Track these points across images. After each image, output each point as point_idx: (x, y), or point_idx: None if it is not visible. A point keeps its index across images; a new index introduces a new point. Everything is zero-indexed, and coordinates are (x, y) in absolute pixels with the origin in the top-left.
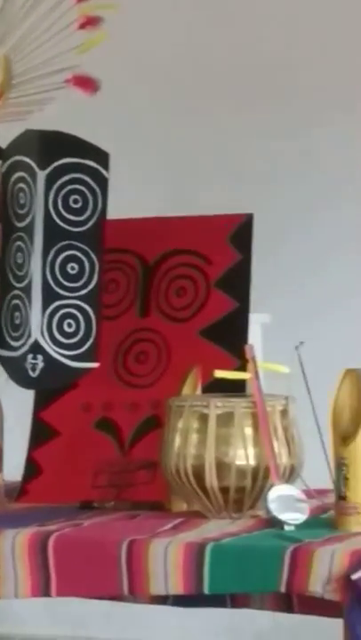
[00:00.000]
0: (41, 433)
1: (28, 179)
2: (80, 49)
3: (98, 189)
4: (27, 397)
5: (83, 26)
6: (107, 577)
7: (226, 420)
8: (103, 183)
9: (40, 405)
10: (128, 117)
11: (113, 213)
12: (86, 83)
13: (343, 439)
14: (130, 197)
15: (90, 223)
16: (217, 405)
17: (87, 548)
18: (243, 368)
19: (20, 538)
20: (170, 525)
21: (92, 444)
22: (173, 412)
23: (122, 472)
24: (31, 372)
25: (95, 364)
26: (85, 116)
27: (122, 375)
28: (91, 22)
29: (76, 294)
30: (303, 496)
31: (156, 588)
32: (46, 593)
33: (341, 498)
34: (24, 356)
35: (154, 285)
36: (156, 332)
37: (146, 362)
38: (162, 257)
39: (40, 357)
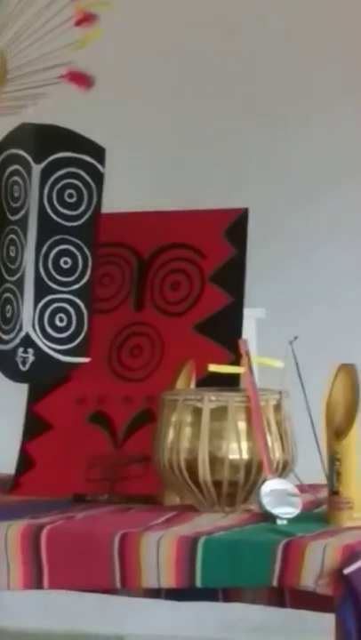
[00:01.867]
0: (34, 426)
1: (23, 172)
2: (76, 45)
3: (93, 184)
4: (20, 390)
5: (79, 23)
6: (99, 570)
7: (219, 414)
8: (99, 178)
9: (34, 398)
10: (123, 112)
11: (108, 207)
12: (81, 78)
13: (336, 434)
14: (125, 191)
15: (84, 218)
16: (211, 399)
17: (80, 541)
18: (237, 362)
19: (13, 530)
20: (162, 519)
21: (85, 437)
22: (167, 406)
23: (115, 465)
24: (21, 366)
25: (86, 359)
26: (81, 111)
27: (116, 369)
28: (87, 19)
29: (69, 289)
30: (296, 490)
31: (149, 581)
32: (39, 585)
33: (334, 492)
34: (15, 349)
35: (148, 279)
36: (151, 325)
37: (140, 356)
38: (157, 251)
39: (31, 351)
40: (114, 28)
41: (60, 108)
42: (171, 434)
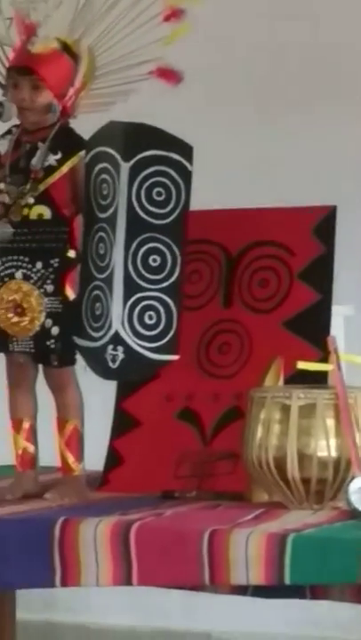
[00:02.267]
0: (123, 422)
1: (112, 170)
2: (165, 41)
3: (181, 182)
4: (109, 387)
5: (167, 18)
6: (188, 566)
7: (308, 411)
8: (187, 176)
9: (122, 395)
10: (211, 108)
11: (195, 204)
12: (170, 74)
13: None
14: (213, 189)
15: (173, 216)
16: (299, 397)
17: (169, 538)
18: (325, 360)
19: (102, 527)
20: (251, 516)
21: (173, 434)
22: (255, 403)
23: (203, 462)
24: (111, 364)
25: (175, 357)
26: (168, 108)
27: (204, 366)
28: (175, 14)
29: (158, 286)
30: None
31: (237, 578)
32: (128, 582)
33: None
34: (104, 346)
35: (237, 276)
36: (239, 322)
37: (228, 353)
38: (245, 248)
39: (120, 349)
40: (203, 22)
41: (147, 105)
42: (259, 431)
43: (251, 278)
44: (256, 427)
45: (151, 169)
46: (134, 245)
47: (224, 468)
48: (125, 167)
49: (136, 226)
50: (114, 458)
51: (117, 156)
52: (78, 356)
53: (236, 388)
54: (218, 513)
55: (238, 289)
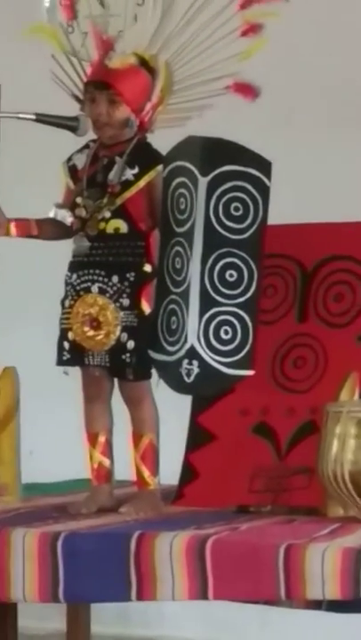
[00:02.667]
0: (198, 437)
1: (190, 184)
2: (242, 56)
3: (259, 198)
4: (183, 401)
5: (245, 33)
6: (264, 581)
7: None
8: (265, 192)
9: (198, 409)
10: (287, 124)
11: (272, 219)
12: (247, 89)
13: None
14: (289, 203)
15: (250, 231)
16: None
17: (245, 552)
18: None
19: (178, 541)
20: (327, 530)
21: (248, 448)
22: (331, 418)
23: (278, 477)
24: (186, 378)
25: (251, 372)
26: (245, 123)
27: (279, 380)
28: (253, 29)
29: (234, 301)
30: None
31: (313, 592)
32: (204, 596)
33: None
34: (179, 361)
35: (312, 291)
36: (314, 337)
37: (303, 367)
38: (320, 262)
39: (195, 363)
40: (280, 38)
41: (224, 120)
42: (335, 445)
43: (326, 292)
44: (331, 441)
45: (229, 184)
46: (211, 260)
47: (299, 483)
48: (203, 182)
49: (213, 240)
50: (189, 472)
51: (195, 171)
52: (153, 370)
53: (311, 402)
54: (293, 527)
55: (313, 303)
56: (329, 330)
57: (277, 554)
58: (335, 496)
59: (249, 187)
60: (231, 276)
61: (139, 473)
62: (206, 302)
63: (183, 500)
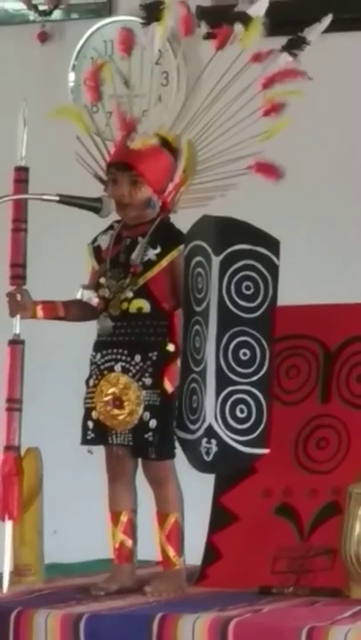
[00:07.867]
0: (221, 517)
1: (205, 263)
2: (265, 135)
3: (269, 276)
4: (205, 481)
5: (267, 112)
6: None
7: None
8: (274, 270)
9: (220, 490)
10: (299, 203)
11: (290, 299)
12: (270, 169)
13: None
14: (308, 283)
15: (261, 310)
16: None
17: (267, 635)
18: None
19: (201, 623)
20: (349, 612)
21: (271, 529)
22: (354, 499)
23: (301, 558)
24: (205, 457)
25: (266, 450)
26: (257, 201)
27: (302, 461)
28: (275, 109)
29: (248, 380)
30: None
31: None
32: None
33: None
34: (199, 439)
35: (335, 371)
36: (337, 418)
37: (326, 448)
38: (343, 343)
39: (214, 442)
40: (301, 118)
41: (239, 200)
42: (358, 527)
43: (349, 373)
44: (354, 523)
45: (240, 263)
46: (225, 339)
47: (322, 564)
48: (216, 261)
49: (227, 319)
50: (212, 553)
51: (209, 250)
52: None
53: (333, 483)
54: (316, 609)
55: (336, 384)
56: (352, 411)
57: (299, 636)
58: (358, 578)
59: (259, 265)
60: (245, 354)
61: (164, 553)
62: (222, 381)
63: (206, 581)
